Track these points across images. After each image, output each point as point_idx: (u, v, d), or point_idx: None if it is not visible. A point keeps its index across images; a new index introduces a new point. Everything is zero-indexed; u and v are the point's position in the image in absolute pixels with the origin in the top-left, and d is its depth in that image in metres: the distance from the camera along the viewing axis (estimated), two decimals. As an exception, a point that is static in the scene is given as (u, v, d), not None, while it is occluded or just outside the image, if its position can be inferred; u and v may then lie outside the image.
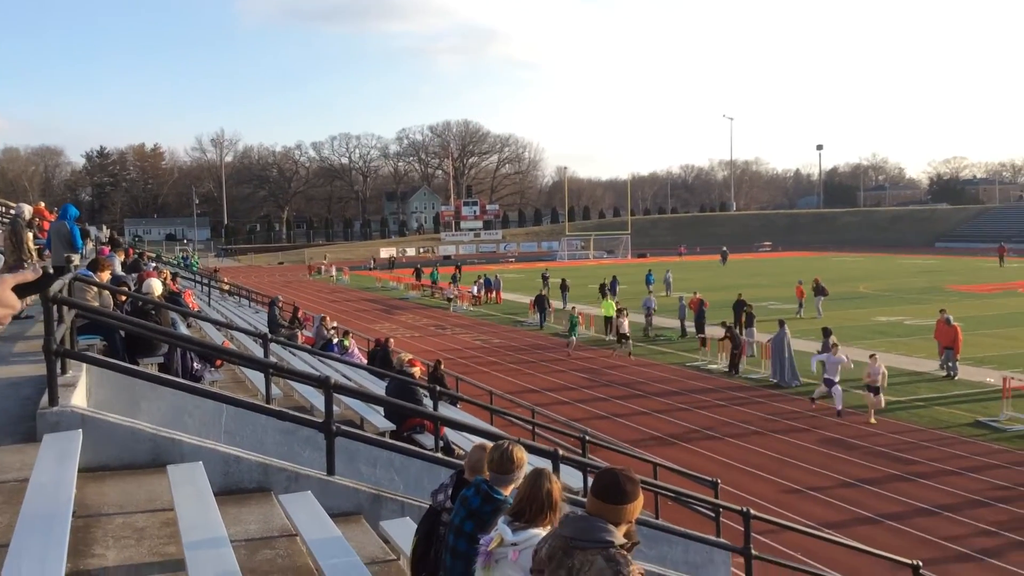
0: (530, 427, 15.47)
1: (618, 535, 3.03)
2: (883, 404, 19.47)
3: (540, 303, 38.25)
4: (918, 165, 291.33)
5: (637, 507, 3.15)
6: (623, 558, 2.98)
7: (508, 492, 4.09)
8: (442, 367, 19.45)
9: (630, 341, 29.30)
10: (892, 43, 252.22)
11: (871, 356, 20.43)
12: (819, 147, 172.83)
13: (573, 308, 32.40)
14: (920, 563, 9.24)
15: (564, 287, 45.52)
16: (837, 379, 19.99)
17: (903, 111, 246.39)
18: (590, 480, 8.42)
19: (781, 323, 24.39)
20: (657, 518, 10.85)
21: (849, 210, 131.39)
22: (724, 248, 79.04)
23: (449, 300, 47.20)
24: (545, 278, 51.31)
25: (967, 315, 32.52)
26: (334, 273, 71.04)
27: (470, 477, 4.41)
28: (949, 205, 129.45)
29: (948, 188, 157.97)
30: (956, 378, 23.00)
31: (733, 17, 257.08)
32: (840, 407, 19.85)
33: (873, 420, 19.01)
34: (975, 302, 40.09)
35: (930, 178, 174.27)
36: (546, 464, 7.42)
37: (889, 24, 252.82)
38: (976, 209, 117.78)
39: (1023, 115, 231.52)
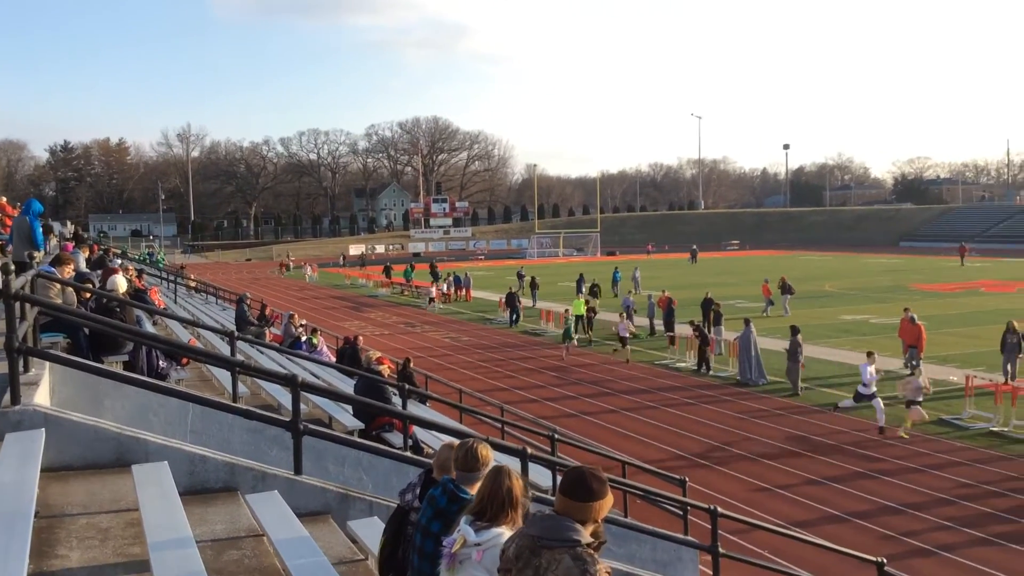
0: (499, 425, 15.47)
1: (585, 534, 3.03)
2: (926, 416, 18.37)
3: (511, 301, 38.05)
4: (883, 165, 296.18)
5: (605, 506, 3.14)
6: (590, 557, 2.98)
7: (474, 491, 4.08)
8: (411, 365, 19.38)
9: (628, 347, 28.15)
10: (858, 44, 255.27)
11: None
12: (786, 146, 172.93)
13: (567, 311, 30.66)
14: (884, 560, 9.35)
15: (534, 285, 45.63)
16: (874, 390, 18.78)
17: (868, 111, 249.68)
18: (559, 478, 8.44)
19: (747, 322, 24.57)
20: (626, 516, 10.89)
21: (815, 209, 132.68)
22: (694, 246, 79.49)
23: (431, 300, 45.72)
24: (520, 276, 50.63)
25: (931, 314, 32.97)
26: (309, 272, 69.63)
27: (438, 476, 4.39)
28: (913, 205, 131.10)
29: (912, 188, 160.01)
30: (920, 377, 23.25)
31: (702, 15, 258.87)
32: (883, 422, 18.38)
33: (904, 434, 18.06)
34: (939, 301, 40.64)
35: (895, 178, 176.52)
36: (515, 463, 7.43)
37: (855, 25, 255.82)
38: (939, 209, 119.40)
39: (986, 116, 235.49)
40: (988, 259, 71.06)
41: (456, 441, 4.81)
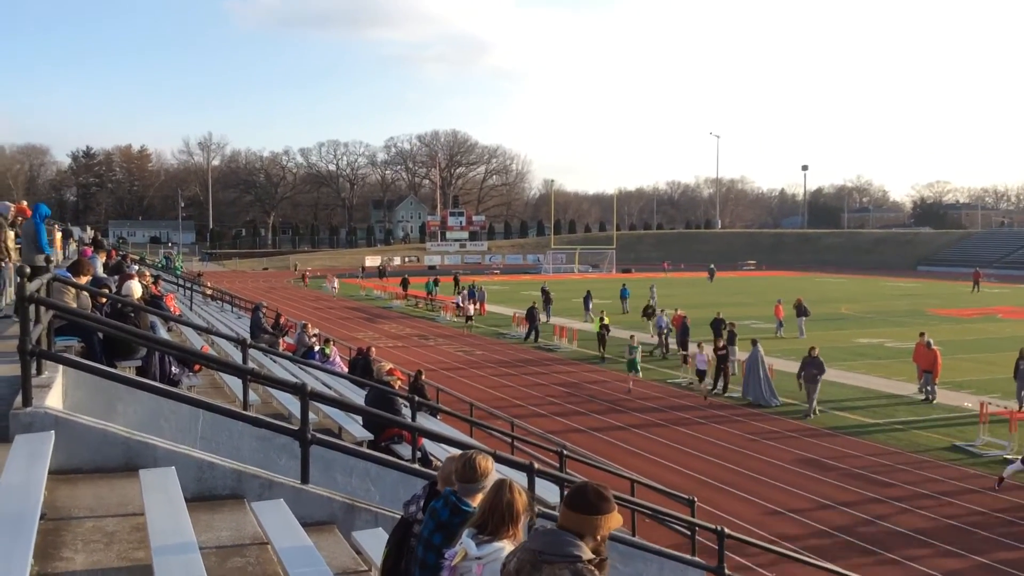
0: (509, 440, 15.46)
1: (587, 550, 3.03)
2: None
3: (531, 316, 37.60)
4: (902, 188, 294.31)
5: (609, 522, 3.13)
6: (591, 573, 2.98)
7: (476, 503, 4.08)
8: (423, 377, 19.40)
9: (706, 381, 25.00)
10: (879, 67, 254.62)
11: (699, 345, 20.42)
12: (804, 167, 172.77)
13: (632, 337, 27.07)
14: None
15: (548, 300, 45.55)
16: None
17: (888, 135, 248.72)
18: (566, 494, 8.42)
19: (754, 342, 24.50)
20: (633, 535, 10.84)
21: (833, 231, 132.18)
22: (712, 265, 79.45)
23: (469, 319, 42.98)
24: (545, 292, 48.83)
25: (947, 339, 32.74)
26: (336, 285, 68.26)
27: (442, 488, 4.40)
28: (932, 229, 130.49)
29: (931, 212, 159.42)
30: (934, 402, 23.13)
31: (721, 36, 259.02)
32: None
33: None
34: (955, 326, 40.37)
35: (913, 202, 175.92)
36: (522, 477, 7.43)
37: (876, 48, 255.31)
38: (958, 234, 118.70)
39: (1006, 141, 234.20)
40: (1006, 285, 70.53)
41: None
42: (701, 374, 24.99)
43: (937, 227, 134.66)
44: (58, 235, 24.10)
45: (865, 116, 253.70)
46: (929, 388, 23.56)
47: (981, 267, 75.30)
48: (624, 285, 52.13)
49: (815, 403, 22.11)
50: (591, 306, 43.20)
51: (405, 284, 58.96)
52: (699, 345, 25.46)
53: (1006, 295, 60.47)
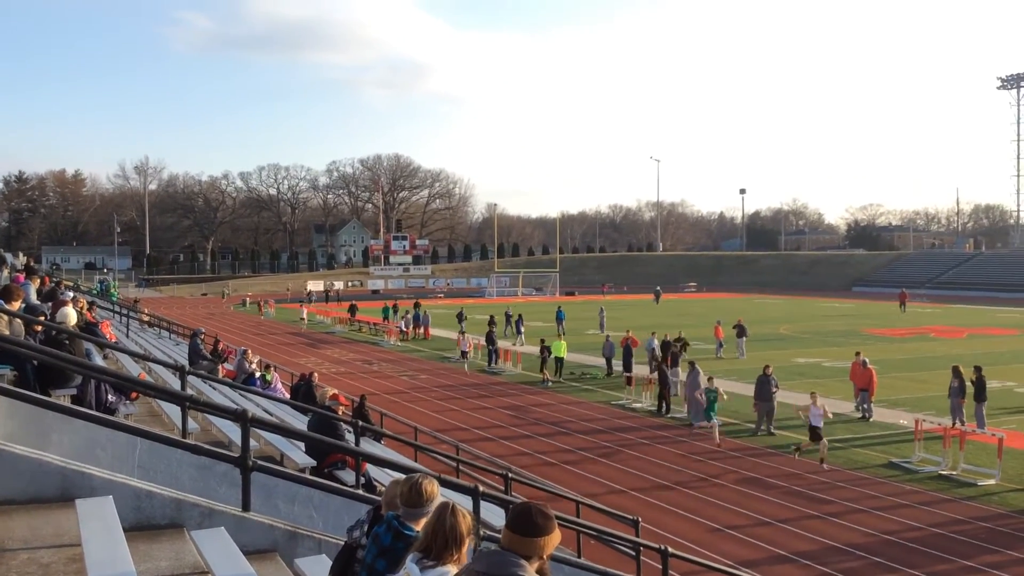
0: (454, 464, 15.40)
1: (531, 570, 3.05)
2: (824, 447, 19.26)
3: (491, 340, 37.14)
4: (837, 211, 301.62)
5: (551, 541, 3.17)
6: None
7: (420, 527, 4.07)
8: (367, 403, 19.28)
9: (825, 442, 19.46)
10: (814, 93, 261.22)
11: (812, 395, 20.14)
12: (742, 191, 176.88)
13: (711, 379, 23.10)
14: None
15: (519, 322, 45.91)
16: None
17: (823, 159, 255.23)
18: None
19: (691, 364, 24.82)
20: (579, 556, 10.87)
21: (770, 253, 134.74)
22: (657, 288, 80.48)
23: (464, 354, 37.63)
24: (508, 316, 49.54)
25: (882, 358, 33.50)
26: (271, 311, 67.47)
27: (386, 513, 4.39)
28: (865, 251, 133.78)
29: (865, 234, 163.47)
30: (871, 420, 23.64)
31: (661, 61, 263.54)
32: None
33: (825, 466, 18.94)
34: (889, 345, 41.36)
35: (848, 224, 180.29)
36: (467, 501, 7.41)
37: (811, 75, 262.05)
38: (891, 255, 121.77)
39: (936, 166, 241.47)
40: (938, 305, 72.47)
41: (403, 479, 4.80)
42: (816, 432, 19.49)
43: (871, 249, 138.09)
44: (-11, 261, 23.46)
45: (801, 141, 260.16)
46: (866, 406, 24.08)
47: (913, 287, 77.27)
48: (560, 308, 52.58)
49: (773, 420, 22.59)
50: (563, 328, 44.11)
51: (353, 310, 57.45)
52: (812, 396, 20.09)
53: (938, 315, 62.11)
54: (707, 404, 22.41)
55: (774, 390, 22.57)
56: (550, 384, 30.77)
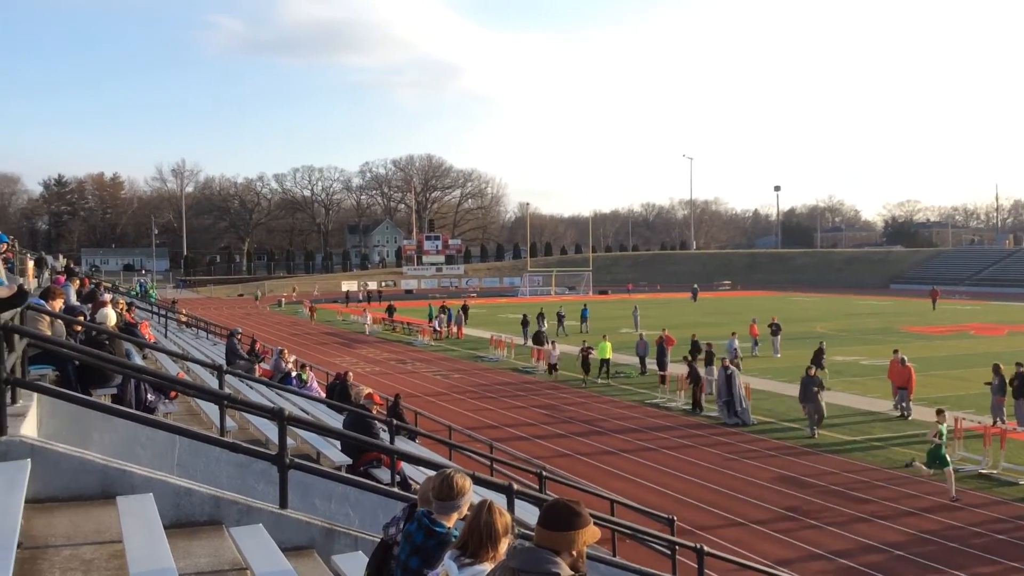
0: (488, 462, 15.43)
1: (564, 567, 3.05)
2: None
3: (539, 340, 36.86)
4: (873, 208, 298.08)
5: (585, 536, 3.14)
6: None
7: (452, 522, 4.08)
8: (402, 401, 19.38)
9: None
10: (850, 88, 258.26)
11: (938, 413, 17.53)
12: (777, 188, 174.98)
13: (940, 413, 17.75)
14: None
15: (561, 320, 45.85)
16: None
17: (860, 155, 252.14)
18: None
19: (723, 363, 24.61)
20: (614, 555, 10.85)
21: (806, 251, 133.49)
22: (695, 286, 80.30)
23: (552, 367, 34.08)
24: (561, 316, 49.14)
25: (920, 356, 33.05)
26: (306, 310, 66.09)
27: (419, 509, 4.41)
28: (903, 248, 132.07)
29: (902, 231, 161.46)
30: (910, 418, 23.34)
31: (695, 58, 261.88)
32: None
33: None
34: (928, 343, 40.80)
35: (885, 221, 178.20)
36: (501, 499, 7.43)
37: (847, 69, 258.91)
38: (929, 252, 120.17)
39: (976, 161, 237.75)
40: (977, 302, 71.39)
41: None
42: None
43: (908, 245, 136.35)
44: (30, 264, 23.88)
45: (836, 137, 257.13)
46: (904, 404, 23.78)
47: (952, 284, 76.12)
48: (585, 306, 52.89)
49: (817, 424, 21.95)
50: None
51: (391, 311, 56.81)
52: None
53: (978, 312, 61.19)
54: (935, 448, 16.76)
55: (816, 389, 22.01)
56: (591, 382, 30.21)
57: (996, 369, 22.05)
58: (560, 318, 49.22)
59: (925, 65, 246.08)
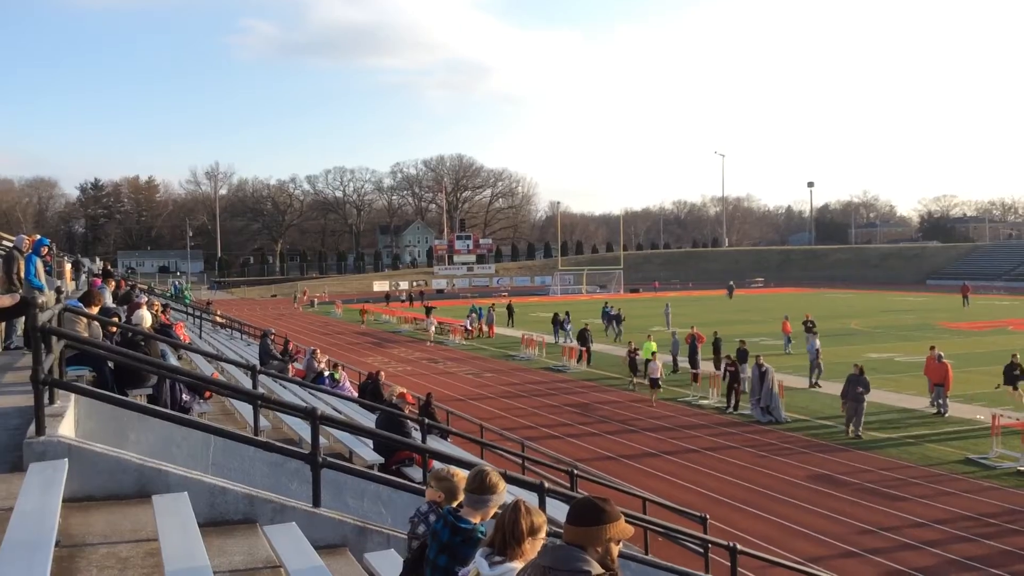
0: (519, 461, 15.45)
1: (594, 563, 3.04)
2: None
3: (583, 339, 36.43)
4: (909, 203, 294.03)
5: (612, 531, 3.11)
6: None
7: (479, 519, 4.09)
8: (433, 400, 19.45)
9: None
10: (883, 82, 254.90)
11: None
12: (810, 184, 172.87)
13: None
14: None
15: (618, 319, 44.86)
16: None
17: (894, 149, 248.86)
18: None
19: (757, 359, 24.37)
20: (646, 553, 10.82)
21: (840, 247, 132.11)
22: (731, 283, 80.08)
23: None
24: (607, 314, 47.16)
25: (957, 352, 32.61)
26: (339, 311, 65.70)
27: (442, 503, 4.44)
28: (940, 243, 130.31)
29: (938, 226, 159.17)
30: (946, 415, 23.05)
31: (725, 54, 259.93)
32: None
33: None
34: (965, 339, 40.23)
35: (920, 216, 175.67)
36: (532, 497, 7.44)
37: (880, 63, 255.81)
38: (967, 247, 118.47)
39: (1012, 154, 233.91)
40: (1016, 297, 70.26)
41: (455, 469, 4.84)
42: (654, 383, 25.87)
43: (945, 241, 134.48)
44: (68, 267, 24.25)
45: (870, 131, 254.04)
46: (941, 401, 23.48)
47: (990, 280, 74.94)
48: (606, 303, 52.94)
49: (861, 423, 21.46)
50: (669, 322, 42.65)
51: (428, 312, 54.69)
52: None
53: (1016, 307, 60.24)
54: None
55: (860, 390, 21.51)
56: (639, 385, 28.93)
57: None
58: (615, 319, 45.73)
59: (961, 57, 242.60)
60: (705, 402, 26.37)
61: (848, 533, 14.41)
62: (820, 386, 27.98)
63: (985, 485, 16.81)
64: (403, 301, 77.72)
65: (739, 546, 8.80)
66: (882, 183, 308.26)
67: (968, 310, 57.12)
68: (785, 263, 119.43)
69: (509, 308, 53.76)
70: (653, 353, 29.06)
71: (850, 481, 17.42)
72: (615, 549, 3.13)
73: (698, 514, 12.00)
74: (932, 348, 24.99)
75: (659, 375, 26.96)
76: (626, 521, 3.22)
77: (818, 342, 29.98)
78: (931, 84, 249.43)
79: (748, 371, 26.77)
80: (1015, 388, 23.64)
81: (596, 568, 3.03)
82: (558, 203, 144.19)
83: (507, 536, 3.51)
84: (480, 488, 4.14)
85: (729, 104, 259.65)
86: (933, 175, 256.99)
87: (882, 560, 13.16)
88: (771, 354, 31.89)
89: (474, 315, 50.44)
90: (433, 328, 47.44)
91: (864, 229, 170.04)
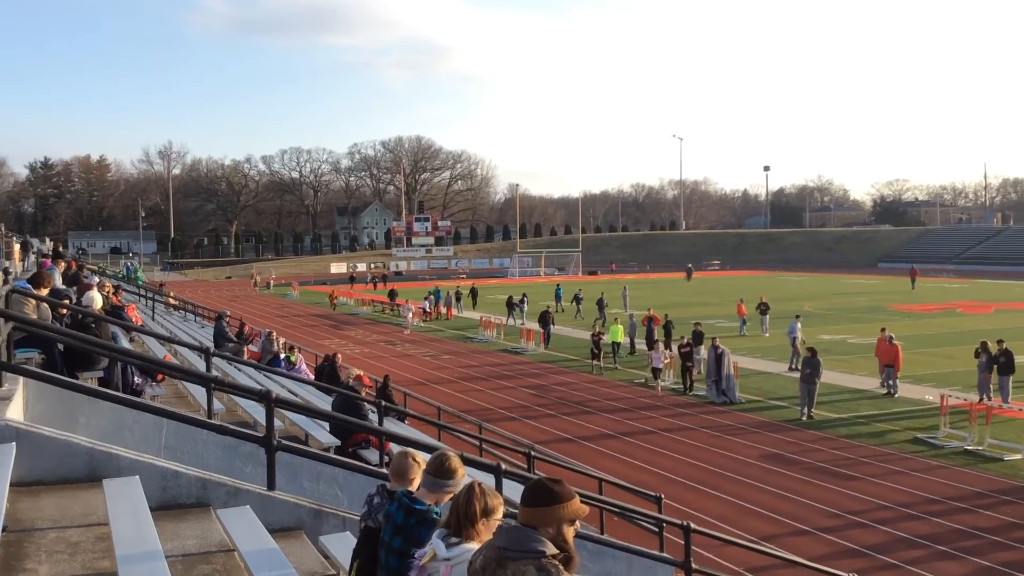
0: (477, 443, 15.47)
1: (550, 545, 3.05)
2: None
3: (544, 321, 36.47)
4: (862, 187, 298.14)
5: (568, 511, 3.12)
6: (555, 568, 2.99)
7: (433, 501, 4.10)
8: (391, 383, 19.39)
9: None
10: (838, 68, 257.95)
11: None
12: (766, 168, 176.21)
13: None
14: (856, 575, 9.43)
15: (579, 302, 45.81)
16: None
17: (848, 134, 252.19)
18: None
19: (713, 341, 24.64)
20: (602, 533, 10.91)
21: (795, 230, 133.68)
22: (689, 265, 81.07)
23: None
24: (578, 299, 48.02)
25: (908, 334, 33.22)
26: (295, 293, 64.86)
27: (394, 484, 4.42)
28: (892, 227, 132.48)
29: (891, 210, 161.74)
30: (896, 396, 23.50)
31: (683, 38, 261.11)
32: None
33: None
34: (916, 321, 41.02)
35: (873, 200, 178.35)
36: (489, 478, 7.46)
37: (835, 50, 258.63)
38: (918, 231, 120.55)
39: (963, 140, 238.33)
40: (965, 280, 71.74)
41: (410, 450, 4.82)
42: (656, 372, 25.81)
43: (897, 224, 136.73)
44: (16, 247, 23.75)
45: (825, 116, 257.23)
46: (891, 382, 23.93)
47: (940, 263, 76.38)
48: (559, 286, 53.52)
49: (813, 404, 21.57)
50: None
51: (393, 296, 54.64)
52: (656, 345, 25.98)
53: (965, 290, 61.49)
54: None
55: (809, 371, 21.61)
56: (606, 368, 29.29)
57: (983, 346, 22.21)
58: (578, 300, 47.95)
59: (913, 44, 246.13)
60: (661, 383, 26.58)
61: (800, 511, 14.67)
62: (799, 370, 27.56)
63: (933, 464, 17.20)
64: (368, 283, 76.76)
65: (693, 525, 8.91)
66: (836, 167, 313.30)
67: (916, 292, 58.20)
68: (741, 246, 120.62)
69: (473, 291, 53.70)
70: (656, 341, 28.79)
71: (802, 460, 17.72)
72: (569, 530, 3.13)
73: (653, 494, 12.11)
74: (883, 330, 25.44)
75: (662, 364, 25.96)
76: (582, 501, 3.23)
77: (799, 326, 29.75)
78: (885, 70, 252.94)
79: (704, 353, 27.07)
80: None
81: (550, 548, 3.04)
82: (517, 185, 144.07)
83: (461, 517, 3.53)
84: (438, 471, 4.14)
85: (687, 88, 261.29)
86: (886, 160, 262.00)
87: (833, 538, 13.42)
88: (727, 336, 32.29)
89: (432, 297, 50.32)
90: (411, 314, 44.74)
91: (818, 213, 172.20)
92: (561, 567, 3.01)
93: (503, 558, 3.04)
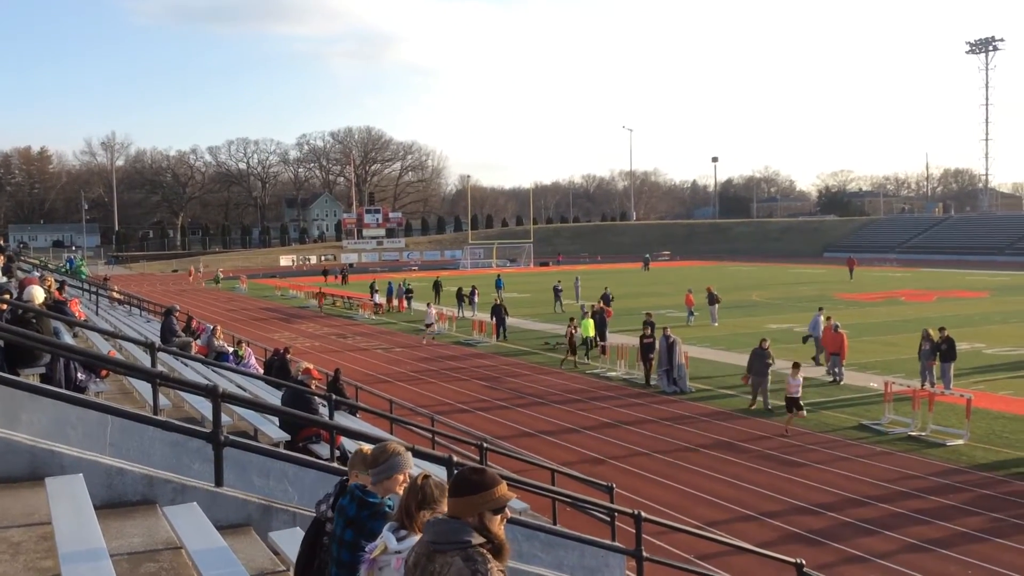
0: (429, 435, 15.44)
1: (475, 534, 3.03)
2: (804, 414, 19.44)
3: (498, 313, 35.90)
4: (808, 178, 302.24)
5: (490, 497, 3.08)
6: (481, 557, 2.96)
7: (384, 492, 4.09)
8: (342, 376, 19.26)
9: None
10: (784, 61, 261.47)
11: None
12: (714, 159, 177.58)
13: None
14: (803, 561, 9.59)
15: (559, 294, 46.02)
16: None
17: (795, 126, 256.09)
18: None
19: (664, 331, 24.75)
20: (555, 523, 10.97)
21: (743, 221, 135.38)
22: (647, 256, 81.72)
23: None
24: (558, 291, 47.04)
25: (852, 322, 33.87)
26: (244, 287, 63.99)
27: (352, 481, 4.41)
28: (836, 217, 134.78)
29: (836, 200, 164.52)
30: (842, 383, 23.94)
31: (633, 30, 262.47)
32: None
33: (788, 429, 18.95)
34: (860, 310, 41.81)
35: (819, 190, 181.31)
36: (441, 471, 7.46)
37: (781, 42, 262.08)
38: (862, 221, 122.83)
39: (906, 131, 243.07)
40: (908, 269, 73.32)
41: (367, 446, 4.81)
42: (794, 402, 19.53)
43: (842, 215, 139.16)
44: (-47, 241, 23.06)
45: (772, 108, 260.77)
46: (837, 370, 24.36)
47: (883, 252, 77.86)
48: (499, 276, 54.70)
49: (767, 395, 21.49)
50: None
51: (344, 275, 54.05)
52: (795, 366, 19.96)
53: (908, 279, 62.83)
54: None
55: (769, 362, 21.58)
56: (579, 363, 28.74)
57: (926, 334, 22.73)
58: (557, 292, 46.91)
59: (857, 37, 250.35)
60: (613, 374, 26.78)
61: (748, 498, 14.89)
62: (821, 363, 26.48)
63: (878, 450, 17.55)
64: (336, 275, 74.89)
65: (644, 514, 8.98)
66: (783, 159, 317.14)
67: (861, 282, 59.27)
68: (691, 236, 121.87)
69: (436, 284, 52.76)
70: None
71: (750, 448, 17.98)
72: (494, 518, 3.10)
73: (605, 484, 12.21)
74: (828, 318, 25.90)
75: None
76: (534, 492, 3.23)
77: (822, 319, 27.37)
78: (830, 63, 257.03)
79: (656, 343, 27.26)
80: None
81: (477, 538, 3.02)
82: (468, 177, 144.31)
83: (401, 510, 3.56)
84: (373, 461, 4.14)
85: (637, 79, 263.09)
86: (831, 151, 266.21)
87: (779, 523, 13.64)
88: (676, 326, 32.59)
89: (374, 292, 49.76)
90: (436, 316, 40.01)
91: (765, 203, 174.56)
92: (488, 555, 2.99)
93: (432, 551, 3.02)
